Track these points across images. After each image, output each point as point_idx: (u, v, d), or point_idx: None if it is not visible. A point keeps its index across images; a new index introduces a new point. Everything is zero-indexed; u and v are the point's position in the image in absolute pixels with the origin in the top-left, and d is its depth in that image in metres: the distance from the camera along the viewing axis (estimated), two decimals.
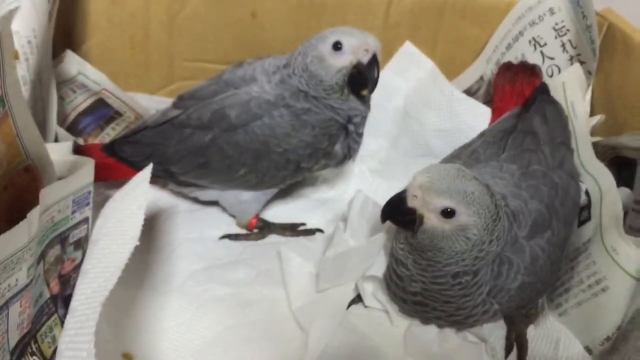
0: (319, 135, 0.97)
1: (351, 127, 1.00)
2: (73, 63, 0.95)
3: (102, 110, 1.04)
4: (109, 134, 1.07)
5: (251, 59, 1.04)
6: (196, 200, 1.11)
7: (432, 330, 0.92)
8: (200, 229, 1.08)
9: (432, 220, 0.76)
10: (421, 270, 0.81)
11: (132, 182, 0.83)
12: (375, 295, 0.97)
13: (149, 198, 0.81)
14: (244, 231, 1.11)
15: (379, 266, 0.93)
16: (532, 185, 0.89)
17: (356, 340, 0.92)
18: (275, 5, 1.09)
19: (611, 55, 1.10)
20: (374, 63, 0.93)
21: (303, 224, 1.14)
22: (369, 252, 0.86)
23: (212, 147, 0.97)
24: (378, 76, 0.94)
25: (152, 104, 1.14)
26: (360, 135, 1.03)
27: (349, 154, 1.03)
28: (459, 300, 0.82)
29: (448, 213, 0.75)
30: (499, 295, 0.83)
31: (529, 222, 0.85)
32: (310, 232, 1.12)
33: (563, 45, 1.18)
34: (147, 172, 0.83)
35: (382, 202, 1.03)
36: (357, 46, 0.92)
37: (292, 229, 1.12)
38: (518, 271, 0.82)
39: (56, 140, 0.99)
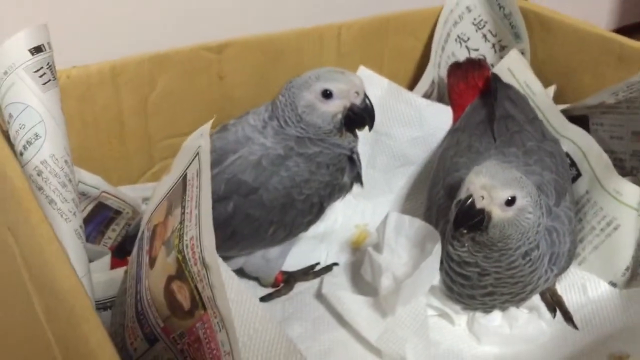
0: (334, 172, 1.00)
1: (354, 156, 1.04)
2: None
3: (101, 214, 0.96)
4: (110, 237, 1.00)
5: (233, 120, 1.03)
6: None
7: (496, 315, 0.98)
8: None
9: (498, 213, 0.83)
10: (494, 262, 0.88)
11: None
12: (427, 303, 1.01)
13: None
14: (270, 290, 1.09)
15: None
16: (537, 160, 1.00)
17: (432, 350, 0.96)
18: (239, 64, 1.10)
19: (531, 34, 1.26)
20: (367, 102, 0.98)
21: (318, 263, 1.15)
22: (435, 264, 0.91)
23: (237, 215, 0.95)
24: (374, 112, 0.98)
25: (137, 193, 1.08)
26: (360, 160, 1.07)
27: (357, 180, 1.07)
28: (527, 277, 0.90)
29: (510, 201, 0.82)
30: (557, 261, 0.92)
31: (553, 191, 0.95)
32: (329, 268, 1.14)
33: (484, 36, 1.33)
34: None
35: (374, 221, 1.09)
36: (346, 90, 0.96)
37: (313, 271, 1.13)
38: (564, 234, 0.92)
39: None
